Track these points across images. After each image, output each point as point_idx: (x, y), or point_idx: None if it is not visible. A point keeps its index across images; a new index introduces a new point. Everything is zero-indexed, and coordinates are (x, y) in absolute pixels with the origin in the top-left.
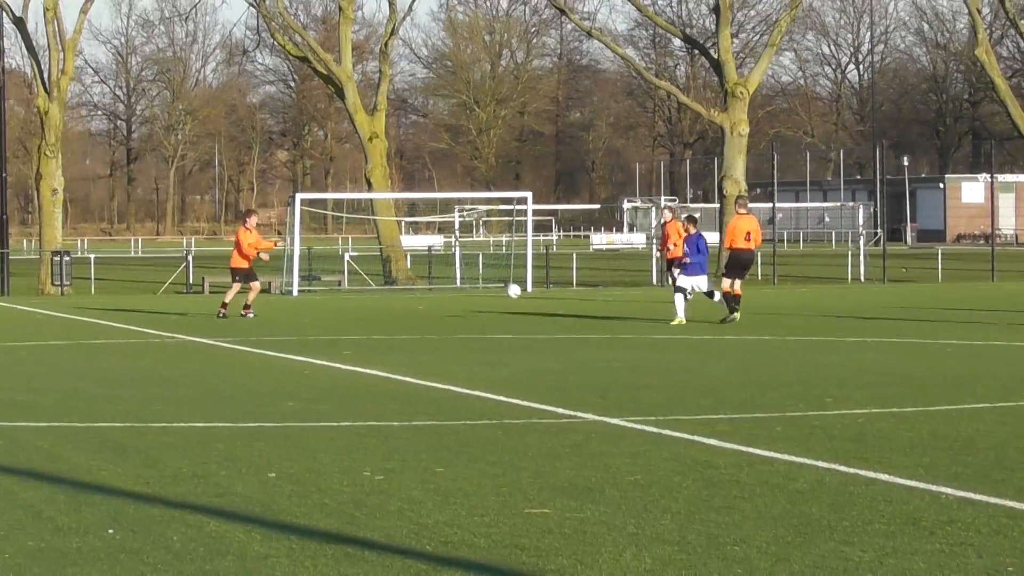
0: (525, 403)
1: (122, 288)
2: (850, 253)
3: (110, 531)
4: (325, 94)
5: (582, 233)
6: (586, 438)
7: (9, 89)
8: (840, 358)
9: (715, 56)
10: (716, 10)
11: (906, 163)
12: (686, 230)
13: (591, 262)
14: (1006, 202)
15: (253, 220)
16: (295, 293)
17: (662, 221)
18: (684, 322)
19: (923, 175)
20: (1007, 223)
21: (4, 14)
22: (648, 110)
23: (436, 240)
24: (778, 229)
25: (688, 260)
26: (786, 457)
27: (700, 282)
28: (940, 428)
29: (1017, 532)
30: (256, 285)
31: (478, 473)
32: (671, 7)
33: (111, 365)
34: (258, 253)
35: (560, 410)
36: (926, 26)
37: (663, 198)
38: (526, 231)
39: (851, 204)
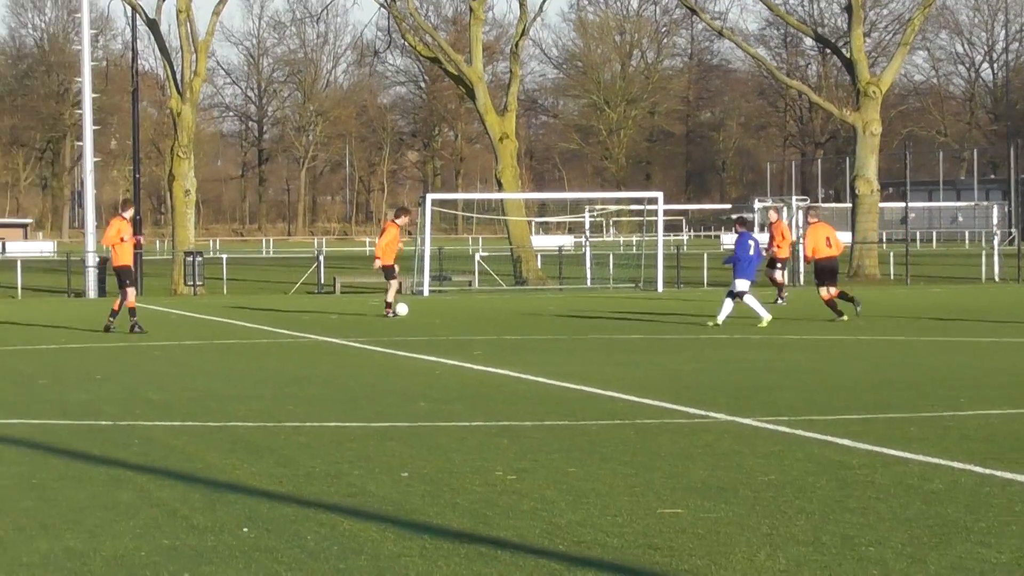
0: (657, 403)
1: (254, 288)
2: (984, 253)
3: (244, 530)
4: (455, 95)
5: (712, 233)
6: (719, 438)
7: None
8: (974, 359)
9: (847, 55)
10: (848, 9)
11: None
12: (736, 230)
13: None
14: None
15: (404, 219)
16: (426, 293)
17: (769, 221)
18: (768, 319)
19: None
20: None
21: (137, 16)
22: (779, 109)
23: (566, 240)
24: (910, 229)
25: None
26: (920, 458)
27: (744, 285)
28: None
29: None
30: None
31: (611, 473)
32: (803, 6)
33: (244, 365)
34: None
35: (692, 410)
36: None
37: (794, 198)
38: (656, 231)
39: (985, 203)
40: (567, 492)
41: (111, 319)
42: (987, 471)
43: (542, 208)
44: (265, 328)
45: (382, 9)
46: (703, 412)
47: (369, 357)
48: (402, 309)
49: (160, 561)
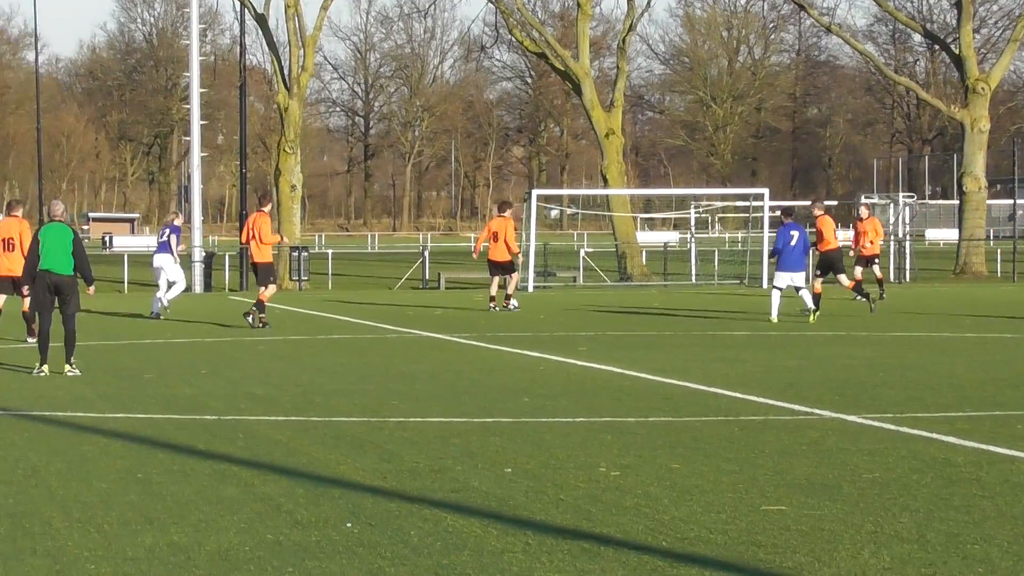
0: (761, 400)
1: (359, 283)
2: None
3: (348, 525)
4: (562, 90)
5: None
6: (823, 435)
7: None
8: None
9: (956, 51)
10: (958, 5)
11: None
12: (781, 221)
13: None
14: None
15: (509, 212)
16: (531, 289)
17: (859, 217)
18: (775, 320)
19: None
20: None
21: (246, 11)
22: (887, 106)
23: (672, 236)
24: (1018, 226)
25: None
26: None
27: (787, 279)
28: None
29: None
30: (515, 276)
31: (714, 469)
32: (911, 2)
33: (348, 360)
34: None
35: (797, 407)
36: None
37: (901, 195)
38: (762, 227)
39: None
40: (670, 488)
41: (260, 314)
42: None
43: (647, 204)
44: (369, 323)
45: (489, 4)
46: (807, 409)
47: (473, 352)
48: (513, 304)
49: (264, 556)
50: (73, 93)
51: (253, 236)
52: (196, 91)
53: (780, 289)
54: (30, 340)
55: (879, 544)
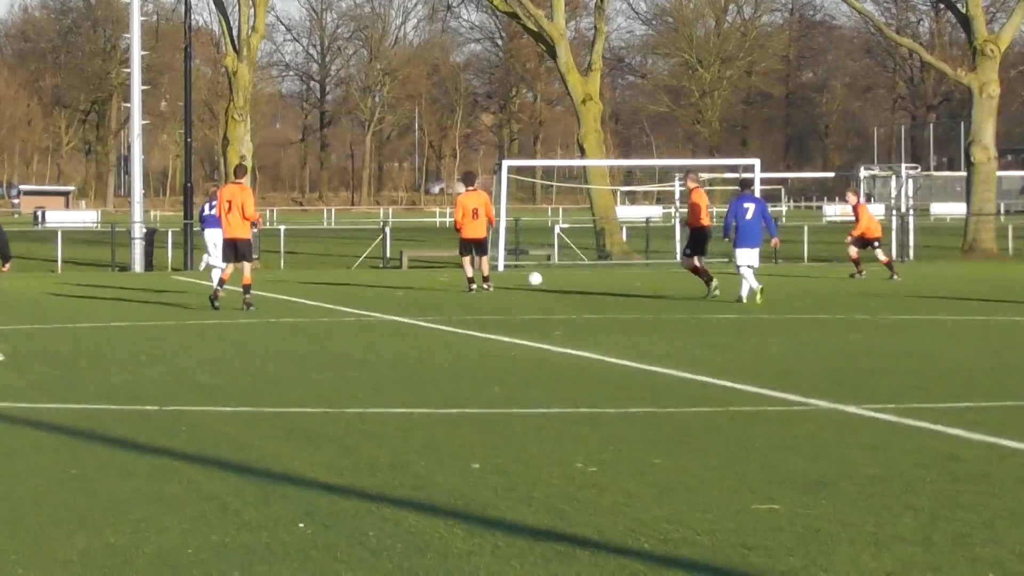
0: (752, 389)
1: (314, 263)
2: None
3: (301, 525)
4: (535, 53)
5: (814, 204)
6: (819, 428)
7: (196, 48)
8: None
9: (963, 10)
10: None
11: None
12: (736, 194)
13: (824, 235)
14: None
15: (477, 184)
16: (500, 268)
17: (848, 203)
18: (745, 301)
19: None
20: None
21: None
22: (888, 69)
23: (655, 211)
24: None
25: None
26: None
27: (750, 255)
28: None
29: None
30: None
31: (700, 465)
32: None
33: (303, 346)
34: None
35: (790, 397)
36: None
37: (904, 165)
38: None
39: None
40: (652, 486)
41: (247, 295)
42: None
43: (628, 176)
44: (325, 306)
45: None
46: (802, 399)
47: (439, 337)
48: (535, 279)
49: (209, 559)
50: (3, 56)
51: (230, 210)
52: (137, 54)
53: (752, 267)
54: None
55: (880, 546)
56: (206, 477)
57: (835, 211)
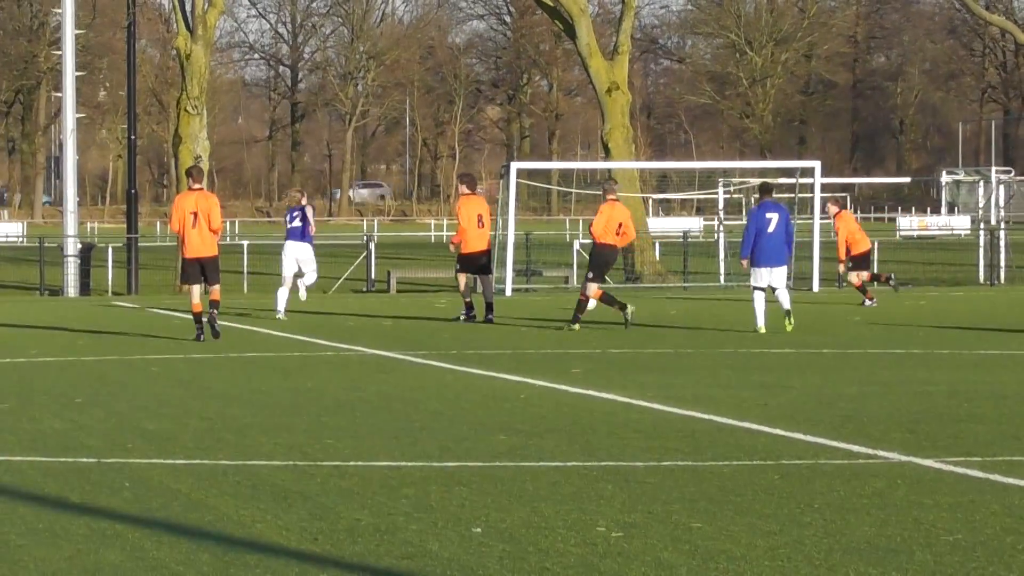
0: (810, 438)
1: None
2: None
3: None
4: (550, 32)
5: (886, 215)
6: (890, 485)
7: (142, 26)
8: None
9: None
10: None
11: None
12: (756, 201)
13: (898, 253)
14: None
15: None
16: (508, 292)
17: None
18: (762, 330)
19: None
20: None
21: None
22: (976, 53)
23: (694, 223)
24: None
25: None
26: None
27: (766, 276)
28: None
29: None
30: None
31: (747, 529)
32: None
33: (270, 386)
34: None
35: (856, 448)
36: None
37: (994, 169)
38: (812, 212)
39: None
40: (690, 554)
41: (213, 311)
42: None
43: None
44: (298, 338)
45: None
46: (869, 450)
47: (434, 376)
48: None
49: None
50: None
51: (195, 223)
52: (70, 33)
53: (761, 290)
54: None
55: None
56: (153, 543)
57: (911, 223)
